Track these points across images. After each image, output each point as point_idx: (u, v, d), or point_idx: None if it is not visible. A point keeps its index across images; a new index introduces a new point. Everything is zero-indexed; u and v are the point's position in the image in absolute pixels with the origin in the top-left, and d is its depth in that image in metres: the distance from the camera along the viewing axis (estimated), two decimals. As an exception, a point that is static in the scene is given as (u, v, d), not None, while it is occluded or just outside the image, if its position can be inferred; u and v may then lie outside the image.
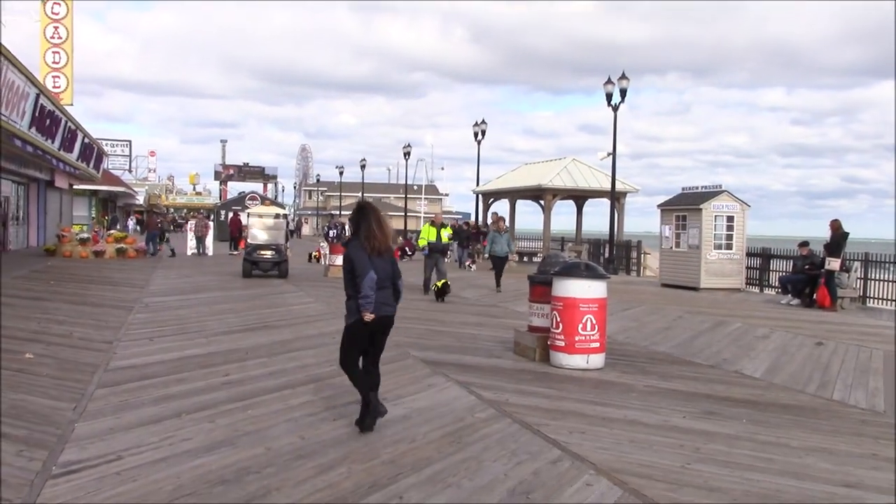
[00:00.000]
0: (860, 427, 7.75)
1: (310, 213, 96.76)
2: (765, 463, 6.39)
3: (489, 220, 29.40)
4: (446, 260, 20.07)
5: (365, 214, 6.86)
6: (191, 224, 38.48)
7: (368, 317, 6.60)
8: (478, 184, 39.60)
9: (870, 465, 6.47)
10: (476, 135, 38.72)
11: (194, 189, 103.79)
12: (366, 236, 6.73)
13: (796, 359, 11.21)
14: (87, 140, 32.07)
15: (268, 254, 22.96)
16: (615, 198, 30.21)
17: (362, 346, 6.89)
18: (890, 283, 19.19)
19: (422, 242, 19.84)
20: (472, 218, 41.91)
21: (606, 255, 29.47)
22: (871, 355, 11.18)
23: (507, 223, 21.64)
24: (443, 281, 18.16)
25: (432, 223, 19.62)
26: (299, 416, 7.34)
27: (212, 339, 11.36)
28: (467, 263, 29.66)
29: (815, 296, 18.05)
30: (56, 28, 36.15)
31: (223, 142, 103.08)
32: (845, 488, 5.86)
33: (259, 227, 24.28)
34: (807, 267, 18.82)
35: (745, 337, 12.91)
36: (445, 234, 19.63)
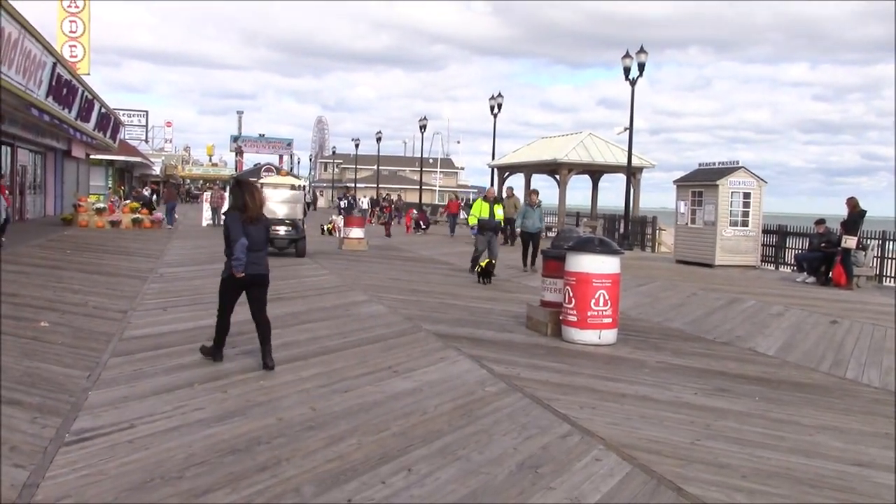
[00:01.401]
0: (873, 406, 7.72)
1: (325, 185, 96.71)
2: (775, 440, 6.38)
3: (504, 195, 29.29)
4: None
5: (241, 188, 8.12)
6: (207, 195, 38.60)
7: (239, 274, 7.83)
8: (493, 157, 39.46)
9: (882, 444, 6.44)
10: (493, 108, 38.52)
11: (210, 160, 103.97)
12: (241, 207, 7.93)
13: (810, 337, 11.16)
14: (103, 110, 32.13)
15: (282, 230, 20.62)
16: (631, 173, 30.05)
17: (235, 298, 8.16)
18: (907, 262, 19.03)
19: (472, 221, 18.07)
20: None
21: (621, 230, 29.37)
22: (885, 334, 11.11)
23: (538, 198, 19.98)
24: (488, 261, 16.47)
25: (485, 198, 18.07)
26: (311, 387, 7.38)
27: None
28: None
29: (830, 274, 17.92)
30: (73, -3, 36.09)
31: (240, 113, 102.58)
32: (856, 467, 5.84)
33: (273, 201, 21.26)
34: (823, 245, 18.67)
35: (759, 314, 12.85)
36: (499, 210, 17.88)
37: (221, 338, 8.26)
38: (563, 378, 8.18)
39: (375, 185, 65.70)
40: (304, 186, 25.68)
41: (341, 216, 29.77)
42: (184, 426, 6.10)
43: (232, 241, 7.85)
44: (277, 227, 20.28)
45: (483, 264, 16.40)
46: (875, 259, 19.08)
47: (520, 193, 32.64)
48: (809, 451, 6.15)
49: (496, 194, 17.81)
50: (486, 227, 17.39)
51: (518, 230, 20.51)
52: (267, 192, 23.41)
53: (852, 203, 17.77)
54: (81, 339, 9.08)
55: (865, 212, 17.92)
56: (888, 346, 10.47)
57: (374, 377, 7.82)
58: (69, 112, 25.26)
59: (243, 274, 7.88)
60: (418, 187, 58.25)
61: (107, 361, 8.10)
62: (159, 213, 33.34)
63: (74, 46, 35.99)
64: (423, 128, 53.41)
